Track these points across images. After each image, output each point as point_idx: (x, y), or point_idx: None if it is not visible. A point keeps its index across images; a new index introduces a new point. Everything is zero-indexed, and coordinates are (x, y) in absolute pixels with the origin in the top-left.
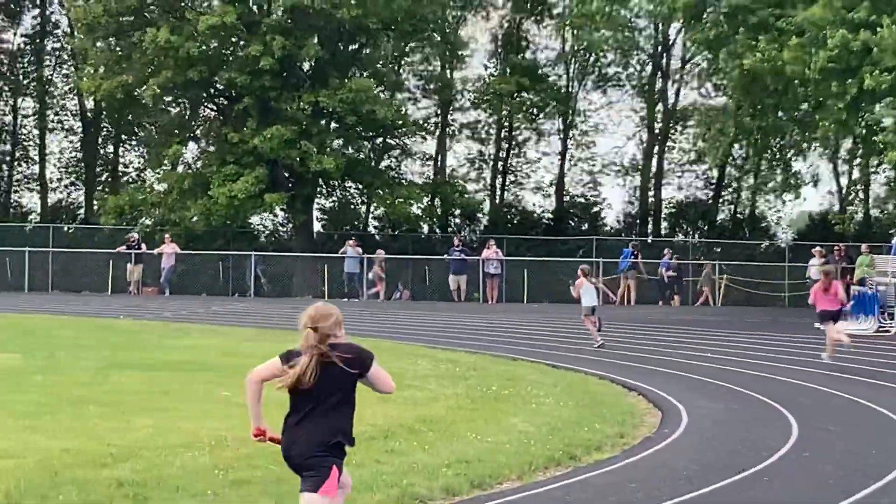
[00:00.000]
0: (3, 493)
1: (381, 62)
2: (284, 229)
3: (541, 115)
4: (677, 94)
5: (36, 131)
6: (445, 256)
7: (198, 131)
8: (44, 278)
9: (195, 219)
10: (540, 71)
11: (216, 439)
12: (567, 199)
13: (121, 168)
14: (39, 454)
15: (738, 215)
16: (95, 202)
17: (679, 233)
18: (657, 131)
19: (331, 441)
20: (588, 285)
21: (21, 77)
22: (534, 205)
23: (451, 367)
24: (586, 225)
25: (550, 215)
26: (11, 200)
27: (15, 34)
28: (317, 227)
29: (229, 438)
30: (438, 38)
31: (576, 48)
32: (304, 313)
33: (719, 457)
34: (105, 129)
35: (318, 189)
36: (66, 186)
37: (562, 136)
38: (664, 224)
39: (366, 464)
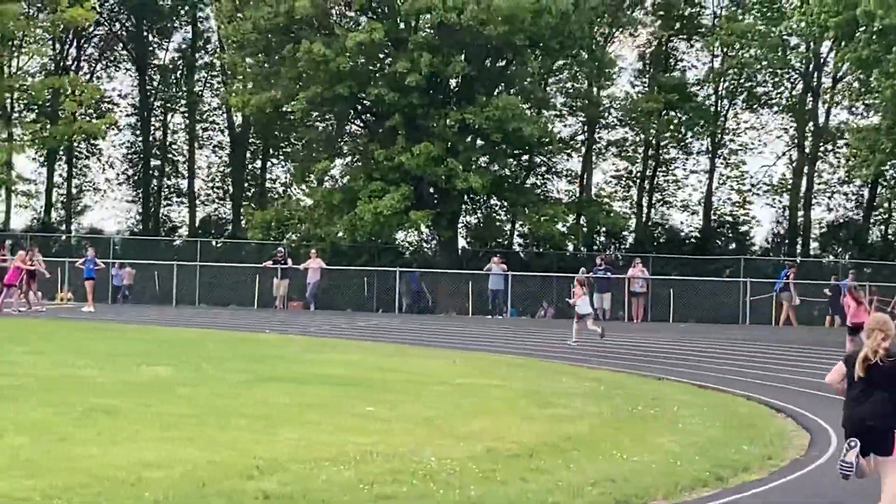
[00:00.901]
0: (153, 502)
1: (527, 79)
2: (429, 245)
3: (688, 134)
4: (828, 113)
5: (185, 146)
6: (591, 275)
7: (345, 147)
8: (191, 292)
9: (341, 234)
10: (688, 89)
11: (361, 454)
12: (714, 217)
13: (268, 183)
14: (187, 465)
15: (890, 236)
16: (243, 217)
17: (829, 253)
18: (807, 150)
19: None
20: (584, 295)
21: (172, 92)
22: (681, 223)
23: (595, 386)
24: (734, 244)
25: (697, 234)
26: (161, 214)
27: (167, 50)
28: (462, 243)
29: (374, 453)
30: (586, 56)
31: (725, 66)
32: (875, 318)
33: (870, 481)
34: (253, 145)
35: (464, 206)
36: (213, 201)
37: (710, 154)
38: (813, 244)
39: (511, 481)
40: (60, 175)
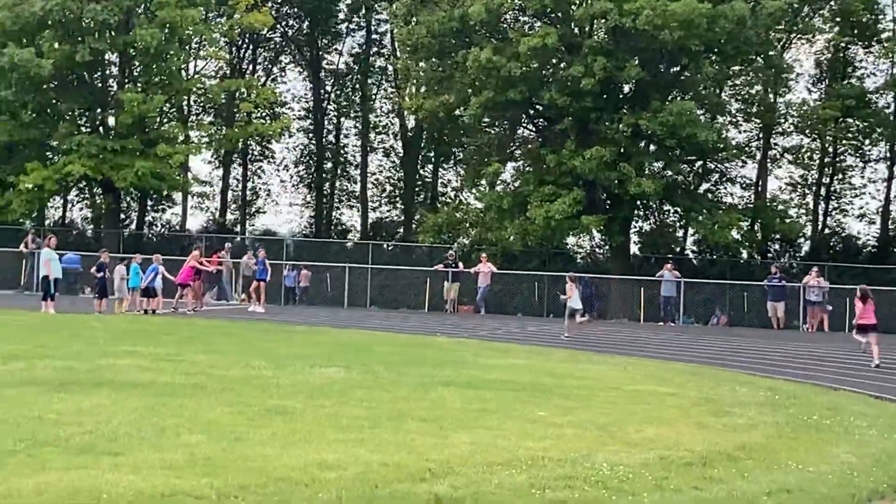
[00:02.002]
0: (326, 503)
1: (702, 84)
2: (601, 251)
3: (866, 141)
4: None
5: (357, 150)
6: (764, 282)
7: (516, 151)
8: (362, 294)
9: (512, 238)
10: (867, 96)
11: (533, 458)
12: (893, 227)
13: (439, 187)
14: (360, 467)
15: None
16: (415, 220)
17: None
18: None
19: None
20: (576, 291)
21: (346, 96)
22: (857, 232)
23: (770, 395)
24: None
25: (875, 243)
26: (333, 217)
27: (340, 54)
28: (633, 249)
29: (546, 458)
30: (762, 62)
31: None
32: None
33: None
34: (425, 149)
35: (636, 211)
36: (385, 204)
37: (889, 162)
38: None
39: (684, 490)
40: (235, 177)
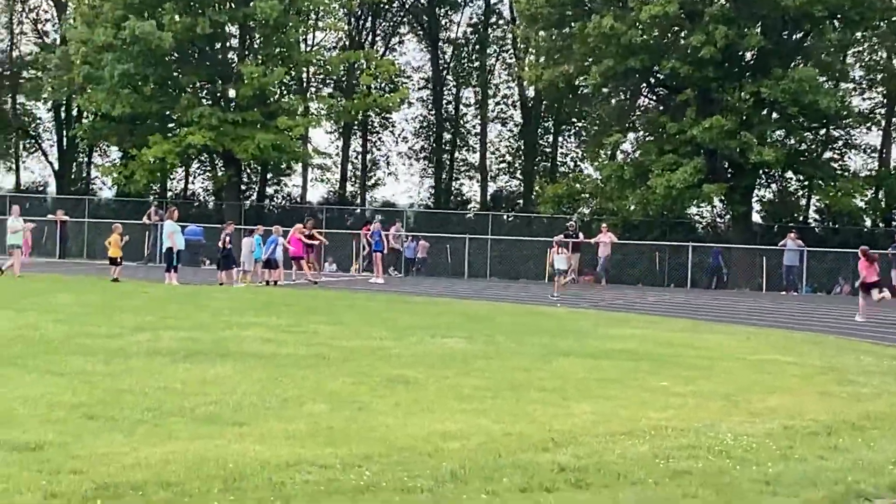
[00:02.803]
0: (450, 473)
1: (825, 51)
2: (722, 220)
3: None
4: None
5: (476, 121)
6: (889, 251)
7: (636, 121)
8: (482, 265)
9: (632, 208)
10: None
11: (655, 428)
12: None
13: (559, 157)
14: (483, 437)
15: None
16: (534, 191)
17: None
18: None
19: None
20: (559, 254)
21: (464, 66)
22: None
23: (895, 364)
24: None
25: None
26: (452, 188)
27: (458, 24)
28: (755, 218)
29: (668, 428)
30: (886, 27)
31: None
32: None
33: None
34: (544, 119)
35: (758, 180)
36: (504, 175)
37: None
38: None
39: (808, 459)
40: (355, 149)
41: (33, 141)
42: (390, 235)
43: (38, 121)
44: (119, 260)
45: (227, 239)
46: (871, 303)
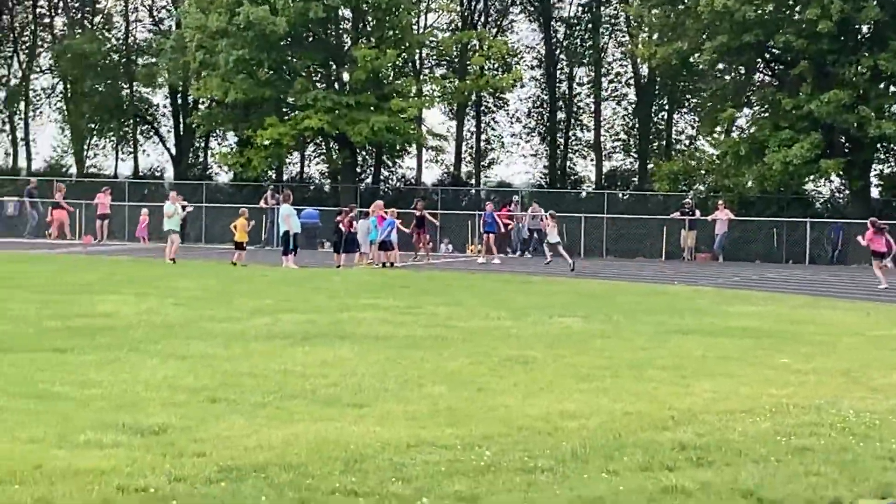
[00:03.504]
0: (570, 452)
1: None
2: (841, 195)
3: None
4: None
5: (590, 99)
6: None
7: (752, 96)
8: (598, 244)
9: (749, 185)
10: None
11: (776, 406)
12: None
13: (673, 135)
14: (602, 416)
15: None
16: (649, 168)
17: None
18: None
19: None
20: (553, 227)
21: (577, 45)
22: None
23: None
24: None
25: None
26: (567, 167)
27: (571, 3)
28: (874, 193)
29: (790, 405)
30: None
31: None
32: None
33: None
34: (658, 96)
35: (876, 154)
36: (619, 153)
37: None
38: None
39: None
40: (469, 130)
41: (150, 127)
42: (526, 217)
43: (155, 107)
44: (244, 245)
45: (353, 223)
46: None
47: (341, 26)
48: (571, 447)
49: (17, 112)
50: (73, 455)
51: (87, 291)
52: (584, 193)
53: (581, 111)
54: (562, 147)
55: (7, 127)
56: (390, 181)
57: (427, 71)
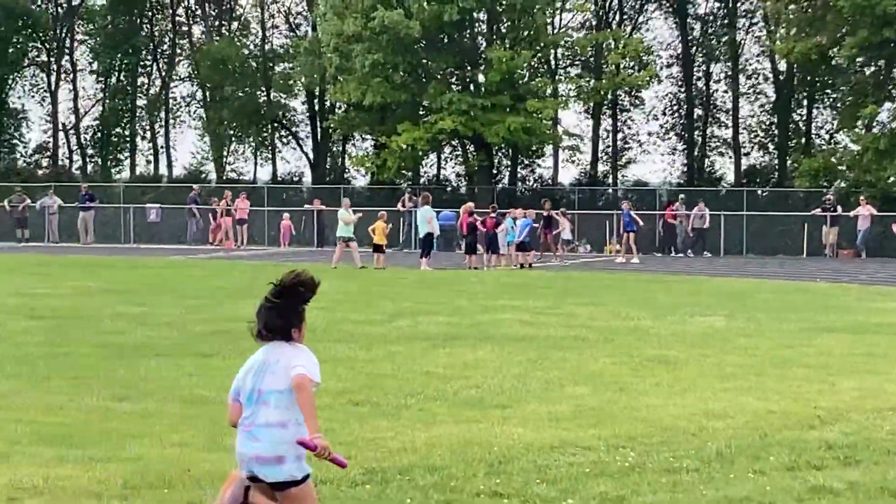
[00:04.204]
0: (715, 452)
1: None
2: None
3: None
4: None
5: (728, 96)
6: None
7: (893, 91)
8: (738, 242)
9: (891, 180)
10: None
11: None
12: None
13: (813, 130)
14: (748, 415)
15: None
16: (789, 165)
17: None
18: None
19: None
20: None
21: (714, 41)
22: None
23: None
24: None
25: None
26: (705, 164)
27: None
28: None
29: None
30: None
31: None
32: None
33: None
34: (797, 92)
35: None
36: (758, 150)
37: None
38: None
39: None
40: (605, 129)
41: (288, 132)
42: (693, 216)
43: (293, 112)
44: (383, 248)
45: (496, 224)
46: None
47: (476, 28)
48: (717, 447)
49: (158, 120)
50: (221, 458)
51: (231, 296)
52: (723, 191)
53: (718, 108)
54: (699, 144)
55: (148, 134)
56: (527, 182)
57: (562, 71)
